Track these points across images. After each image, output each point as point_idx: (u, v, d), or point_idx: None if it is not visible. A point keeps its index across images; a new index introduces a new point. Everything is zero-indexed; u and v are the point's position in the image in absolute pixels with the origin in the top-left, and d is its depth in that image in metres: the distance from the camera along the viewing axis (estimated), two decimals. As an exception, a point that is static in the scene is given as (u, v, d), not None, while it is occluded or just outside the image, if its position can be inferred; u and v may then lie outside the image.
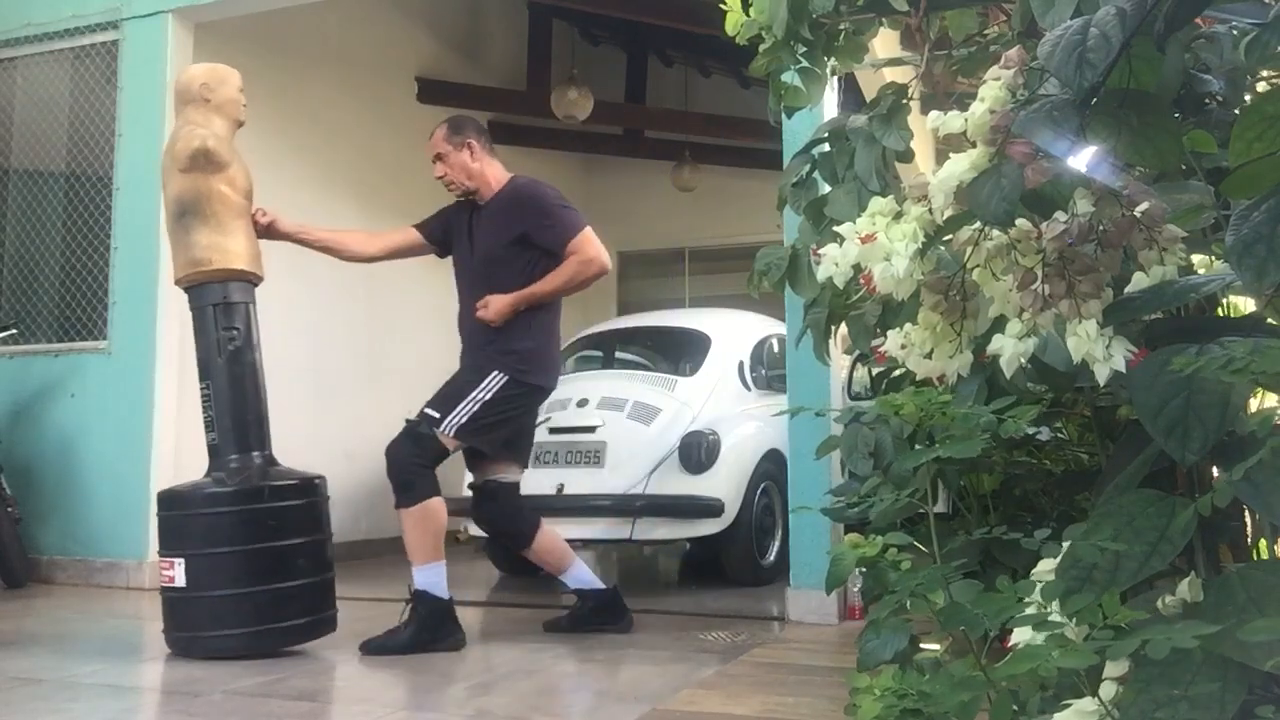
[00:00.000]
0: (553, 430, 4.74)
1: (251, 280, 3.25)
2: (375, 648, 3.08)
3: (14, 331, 4.94)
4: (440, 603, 3.18)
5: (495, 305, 3.33)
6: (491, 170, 3.50)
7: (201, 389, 3.20)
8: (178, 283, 3.24)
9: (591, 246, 3.38)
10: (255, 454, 3.17)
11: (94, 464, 4.77)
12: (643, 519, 4.46)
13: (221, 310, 3.16)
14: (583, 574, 3.53)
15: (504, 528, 3.59)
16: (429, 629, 3.13)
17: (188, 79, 3.29)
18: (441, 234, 3.61)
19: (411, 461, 3.20)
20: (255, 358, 3.23)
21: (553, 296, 3.42)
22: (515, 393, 3.33)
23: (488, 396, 3.27)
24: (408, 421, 3.28)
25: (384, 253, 3.65)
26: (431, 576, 3.18)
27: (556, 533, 3.60)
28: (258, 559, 3.01)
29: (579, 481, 4.55)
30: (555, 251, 3.37)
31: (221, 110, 3.26)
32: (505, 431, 3.39)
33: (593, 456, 4.63)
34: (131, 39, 5.02)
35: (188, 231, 3.16)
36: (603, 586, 3.54)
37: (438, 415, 3.24)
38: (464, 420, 3.24)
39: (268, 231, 3.34)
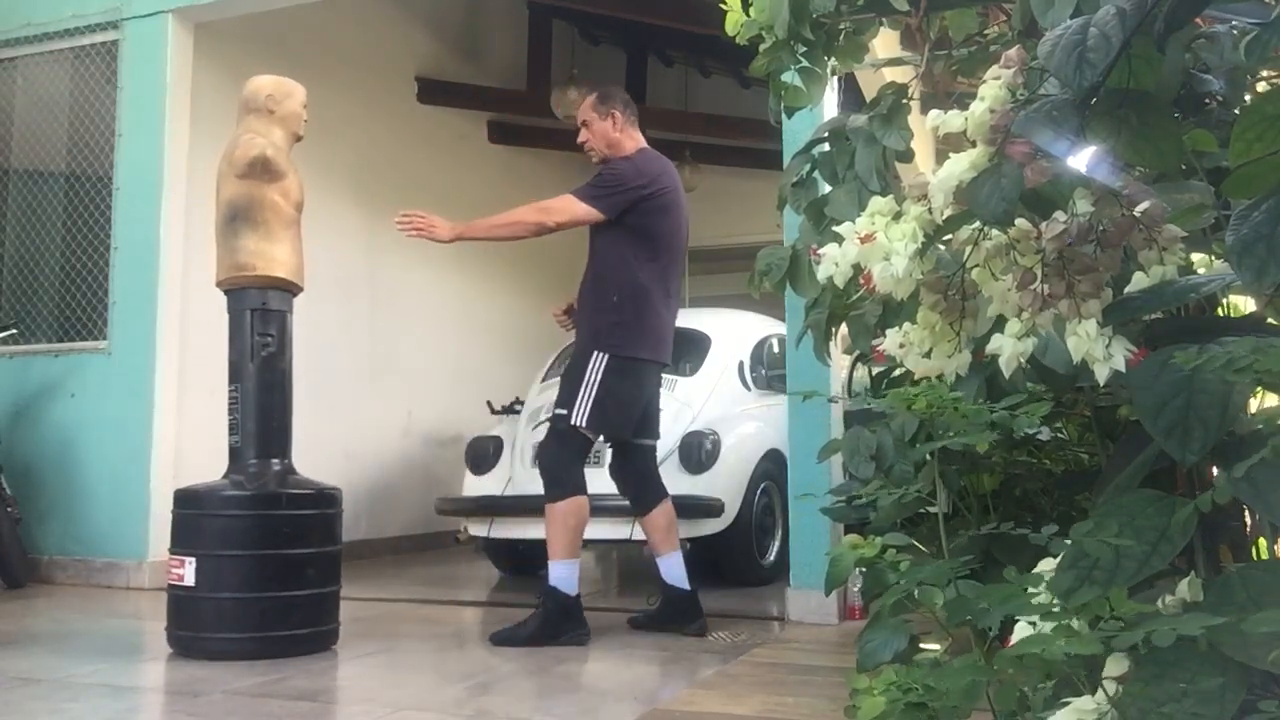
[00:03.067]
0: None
1: (291, 290, 3.29)
2: (503, 638, 3.18)
3: (14, 331, 4.94)
4: (568, 599, 3.25)
5: (437, 221, 3.33)
6: (631, 142, 3.58)
7: (230, 391, 3.23)
8: (219, 285, 3.27)
9: (558, 203, 3.39)
10: (275, 460, 3.20)
11: (94, 464, 4.77)
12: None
13: (259, 316, 3.20)
14: (676, 569, 3.52)
15: (631, 488, 3.60)
16: (554, 623, 3.21)
17: (254, 89, 3.34)
18: None
19: (558, 459, 3.33)
20: (286, 366, 3.27)
21: (494, 233, 3.48)
22: (622, 369, 3.37)
23: (598, 379, 3.33)
24: (550, 421, 3.42)
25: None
26: (564, 572, 3.26)
27: (675, 517, 3.61)
28: (268, 565, 3.03)
29: (579, 481, 4.54)
30: None
31: (284, 123, 3.31)
32: (633, 411, 3.45)
33: (592, 456, 4.61)
34: (131, 39, 5.02)
35: (236, 236, 3.19)
36: (688, 589, 3.53)
37: (565, 412, 3.33)
38: (589, 410, 3.31)
39: (567, 314, 3.63)
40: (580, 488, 3.33)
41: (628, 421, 3.45)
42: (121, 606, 4.13)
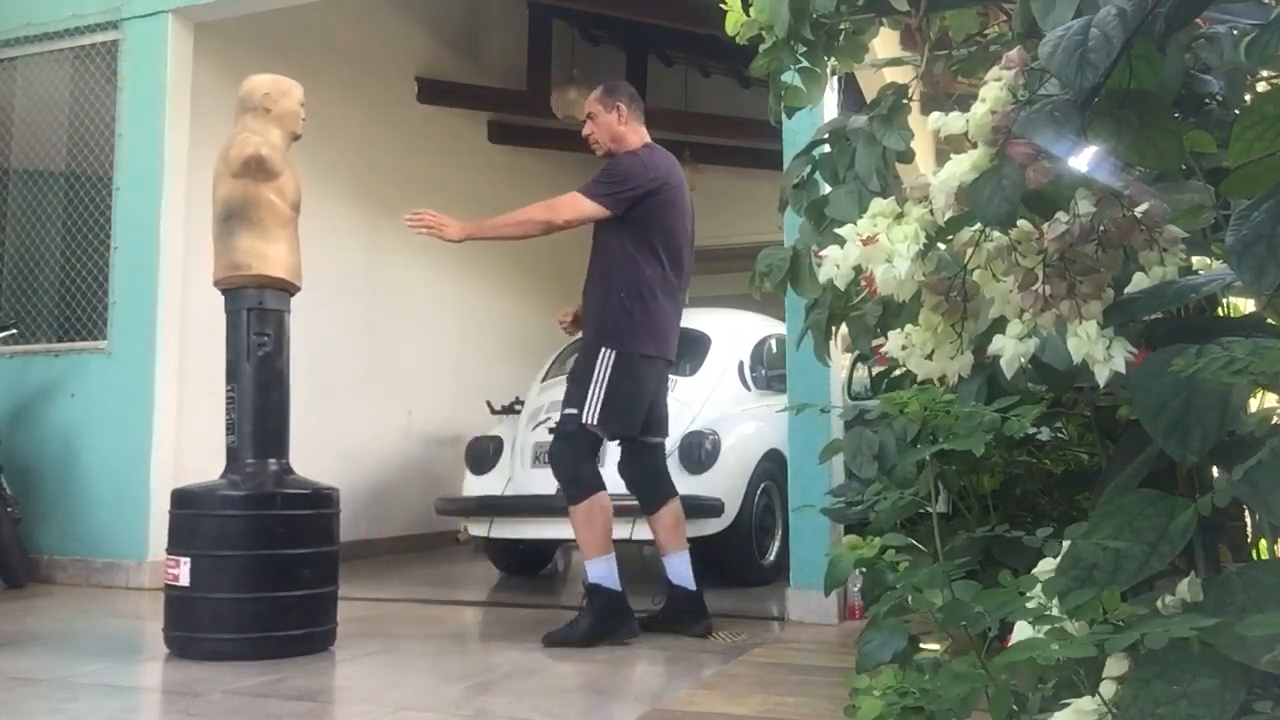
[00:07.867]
0: (553, 430, 4.73)
1: (289, 290, 3.28)
2: (555, 639, 3.18)
3: (14, 331, 4.94)
4: (613, 595, 3.26)
5: (447, 220, 3.34)
6: (634, 136, 3.59)
7: (227, 391, 3.23)
8: (216, 284, 3.27)
9: (564, 201, 3.40)
10: (272, 460, 3.19)
11: (94, 464, 4.77)
12: (643, 519, 4.45)
13: (255, 315, 3.20)
14: (683, 568, 3.51)
15: (640, 487, 3.59)
16: (604, 620, 3.22)
17: (251, 87, 3.33)
18: None
19: (571, 459, 3.33)
20: (284, 366, 3.26)
21: (503, 232, 3.48)
22: (630, 365, 3.38)
23: (607, 375, 3.35)
24: (555, 425, 3.43)
25: None
26: (603, 569, 3.26)
27: (683, 517, 3.59)
28: (263, 565, 3.02)
29: (579, 481, 4.54)
30: None
31: (281, 121, 3.30)
32: (640, 407, 3.45)
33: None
34: (131, 39, 5.02)
35: (231, 235, 3.19)
36: (694, 589, 3.52)
37: (575, 411, 3.34)
38: (599, 408, 3.32)
39: (575, 324, 3.64)
40: (599, 484, 3.34)
41: (636, 418, 3.45)
42: (121, 606, 4.13)
